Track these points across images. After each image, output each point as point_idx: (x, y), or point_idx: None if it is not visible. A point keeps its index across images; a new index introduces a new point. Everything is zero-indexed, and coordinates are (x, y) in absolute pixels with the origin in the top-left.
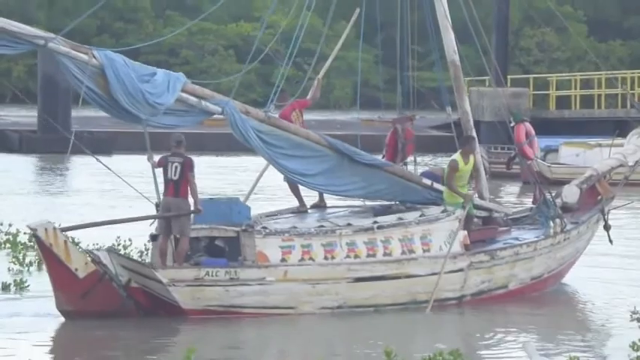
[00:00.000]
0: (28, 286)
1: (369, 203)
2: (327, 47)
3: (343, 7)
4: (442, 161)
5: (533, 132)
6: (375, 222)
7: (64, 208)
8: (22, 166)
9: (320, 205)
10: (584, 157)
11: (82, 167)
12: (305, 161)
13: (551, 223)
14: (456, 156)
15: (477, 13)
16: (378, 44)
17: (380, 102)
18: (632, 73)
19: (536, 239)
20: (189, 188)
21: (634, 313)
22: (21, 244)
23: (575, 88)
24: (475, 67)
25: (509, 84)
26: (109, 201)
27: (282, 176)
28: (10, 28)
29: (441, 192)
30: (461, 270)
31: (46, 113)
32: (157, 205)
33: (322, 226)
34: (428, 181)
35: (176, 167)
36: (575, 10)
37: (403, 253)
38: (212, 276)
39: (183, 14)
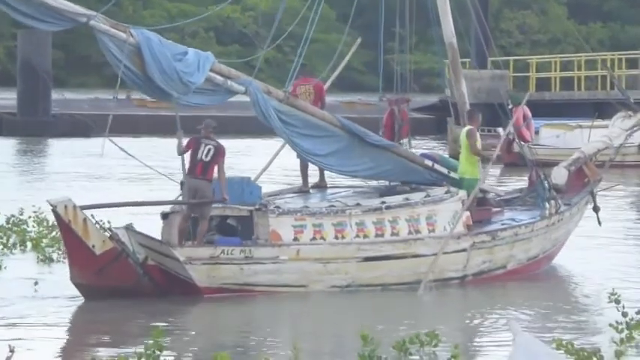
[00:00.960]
0: (5, 267)
1: (371, 184)
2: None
3: None
4: (422, 144)
5: (529, 115)
6: (383, 202)
7: (48, 190)
8: (2, 149)
9: (321, 186)
10: (564, 139)
11: (63, 150)
12: (318, 141)
13: (547, 205)
14: (469, 127)
15: None
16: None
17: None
18: (612, 55)
19: (533, 220)
20: (218, 174)
21: (612, 294)
22: None
23: (555, 70)
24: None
25: (489, 66)
26: (99, 182)
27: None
28: (54, 5)
29: (441, 173)
30: (464, 250)
31: (26, 96)
32: (182, 184)
33: (333, 205)
34: (429, 162)
35: (209, 149)
36: None
37: (410, 233)
38: (227, 254)
39: None
